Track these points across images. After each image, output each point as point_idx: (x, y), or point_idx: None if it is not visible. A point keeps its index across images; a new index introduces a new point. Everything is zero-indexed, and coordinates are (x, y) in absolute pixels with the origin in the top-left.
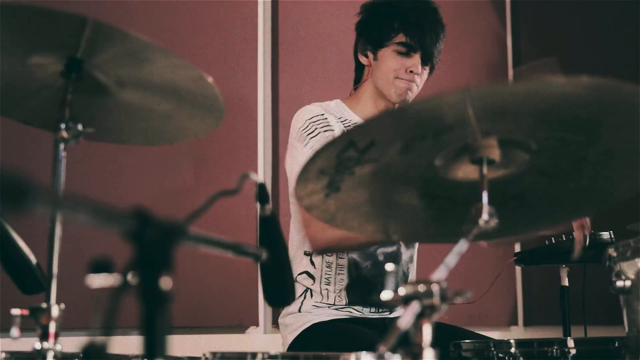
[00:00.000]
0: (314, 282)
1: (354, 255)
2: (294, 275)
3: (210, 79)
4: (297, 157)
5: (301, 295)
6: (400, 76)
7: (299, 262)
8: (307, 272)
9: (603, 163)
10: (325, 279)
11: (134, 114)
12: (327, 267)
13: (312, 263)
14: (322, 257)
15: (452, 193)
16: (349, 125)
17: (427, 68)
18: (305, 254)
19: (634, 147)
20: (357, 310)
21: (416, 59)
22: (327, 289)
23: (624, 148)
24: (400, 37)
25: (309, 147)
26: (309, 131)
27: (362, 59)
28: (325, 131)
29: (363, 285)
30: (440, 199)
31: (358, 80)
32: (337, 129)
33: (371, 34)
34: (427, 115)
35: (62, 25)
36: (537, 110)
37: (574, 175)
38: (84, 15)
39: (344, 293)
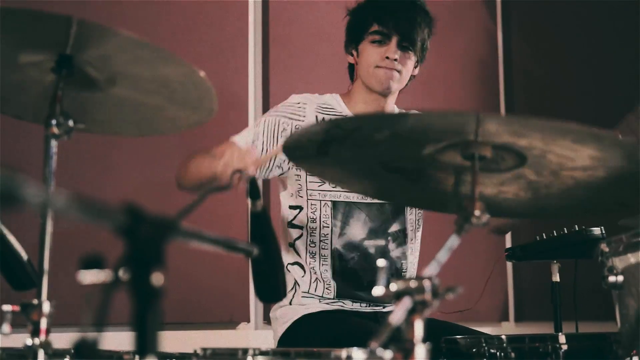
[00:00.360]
0: (304, 273)
1: (338, 247)
2: (285, 265)
3: (201, 73)
4: (243, 134)
5: (292, 289)
6: (379, 64)
7: (285, 255)
8: (297, 263)
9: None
10: (311, 267)
11: (125, 107)
12: (311, 257)
13: (298, 253)
14: (306, 249)
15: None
16: (335, 114)
17: (411, 55)
18: (289, 245)
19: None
20: (347, 305)
21: (392, 45)
22: (316, 278)
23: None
24: (374, 27)
25: (260, 122)
26: (271, 111)
27: (349, 59)
28: (285, 117)
29: (350, 277)
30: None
31: (351, 78)
32: (311, 118)
33: (351, 32)
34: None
35: (50, 25)
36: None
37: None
38: (69, 15)
39: (332, 285)
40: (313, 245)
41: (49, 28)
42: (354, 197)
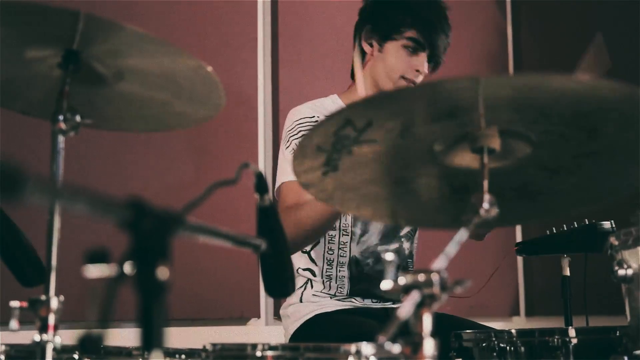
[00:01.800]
0: (316, 276)
1: (355, 254)
2: (295, 269)
3: (209, 67)
4: (280, 160)
5: (302, 286)
6: (407, 75)
7: (299, 259)
8: (308, 269)
9: (603, 159)
10: (327, 275)
11: (133, 102)
12: (328, 264)
13: (313, 260)
14: (323, 255)
15: (452, 179)
16: None
17: (430, 67)
18: (303, 252)
19: (633, 146)
20: (359, 301)
21: (423, 57)
22: (329, 283)
23: (623, 146)
24: (411, 33)
25: (289, 149)
26: (293, 133)
27: (366, 47)
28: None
29: (366, 281)
30: (441, 184)
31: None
32: None
33: (380, 24)
34: (428, 99)
35: (56, 20)
36: (539, 104)
37: (574, 170)
38: (76, 9)
39: (346, 288)
40: (331, 252)
41: (55, 23)
42: None
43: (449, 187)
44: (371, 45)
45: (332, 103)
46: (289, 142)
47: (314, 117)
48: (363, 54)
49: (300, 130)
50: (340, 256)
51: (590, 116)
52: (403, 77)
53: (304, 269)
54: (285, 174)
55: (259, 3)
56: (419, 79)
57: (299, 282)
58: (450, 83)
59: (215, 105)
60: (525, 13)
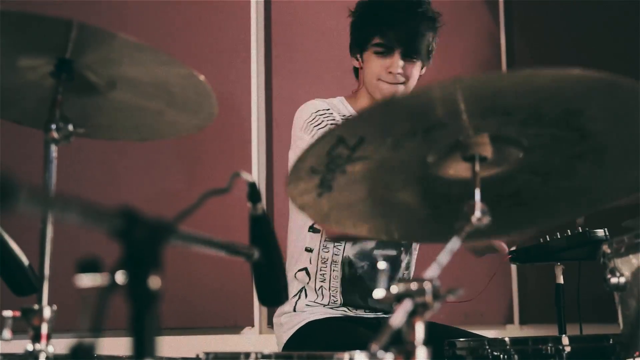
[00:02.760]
0: (310, 279)
1: (349, 255)
2: (294, 273)
3: (201, 76)
4: (302, 147)
5: (296, 295)
6: (382, 78)
7: (297, 259)
8: (305, 270)
9: (597, 161)
10: (321, 274)
11: (126, 111)
12: (322, 263)
13: (309, 260)
14: (318, 254)
15: (446, 191)
16: None
17: (416, 63)
18: (307, 250)
19: (628, 144)
20: (352, 310)
21: (396, 57)
22: (322, 285)
23: (617, 146)
24: (376, 39)
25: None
26: (316, 122)
27: (355, 63)
28: (330, 124)
29: (359, 285)
30: (435, 197)
31: (357, 80)
32: None
33: (354, 37)
34: (416, 109)
35: (49, 29)
36: (528, 104)
37: (567, 173)
38: (69, 18)
39: (339, 292)
40: (326, 250)
41: (48, 32)
42: None
43: (443, 200)
44: (357, 59)
45: (339, 103)
46: (314, 131)
47: (329, 109)
48: (357, 69)
49: (323, 121)
50: (335, 254)
51: (577, 111)
52: (380, 80)
53: (301, 269)
54: None
55: (252, 10)
56: (401, 79)
57: (294, 290)
58: (429, 90)
59: (208, 114)
60: (518, 19)
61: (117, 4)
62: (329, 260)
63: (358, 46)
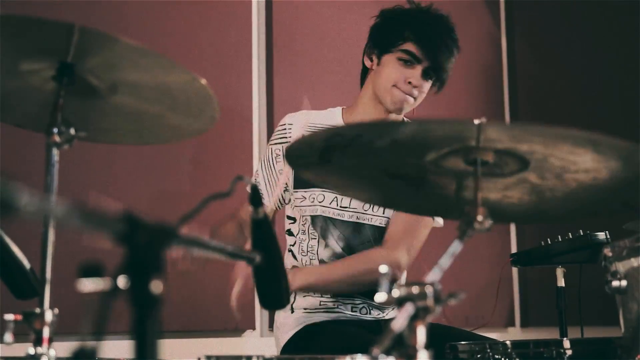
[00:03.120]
0: None
1: (323, 257)
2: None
3: (203, 81)
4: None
5: (292, 292)
6: (399, 86)
7: (285, 259)
8: (295, 267)
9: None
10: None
11: (128, 115)
12: (303, 265)
13: (295, 257)
14: (300, 257)
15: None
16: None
17: (431, 82)
18: (288, 250)
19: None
20: (347, 311)
21: (418, 70)
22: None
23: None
24: (407, 46)
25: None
26: (273, 137)
27: (367, 62)
28: (275, 143)
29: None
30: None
31: (361, 83)
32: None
33: (379, 38)
34: (423, 135)
35: (51, 32)
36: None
37: (563, 187)
38: (71, 22)
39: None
40: (304, 254)
41: (50, 36)
42: (330, 213)
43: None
44: (371, 60)
45: (328, 113)
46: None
47: (284, 125)
48: (365, 70)
49: (269, 140)
50: (311, 259)
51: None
52: (396, 86)
53: (292, 268)
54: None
55: (254, 12)
56: (415, 93)
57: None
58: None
59: (210, 118)
60: (518, 20)
61: (118, 5)
62: (308, 264)
63: (381, 46)
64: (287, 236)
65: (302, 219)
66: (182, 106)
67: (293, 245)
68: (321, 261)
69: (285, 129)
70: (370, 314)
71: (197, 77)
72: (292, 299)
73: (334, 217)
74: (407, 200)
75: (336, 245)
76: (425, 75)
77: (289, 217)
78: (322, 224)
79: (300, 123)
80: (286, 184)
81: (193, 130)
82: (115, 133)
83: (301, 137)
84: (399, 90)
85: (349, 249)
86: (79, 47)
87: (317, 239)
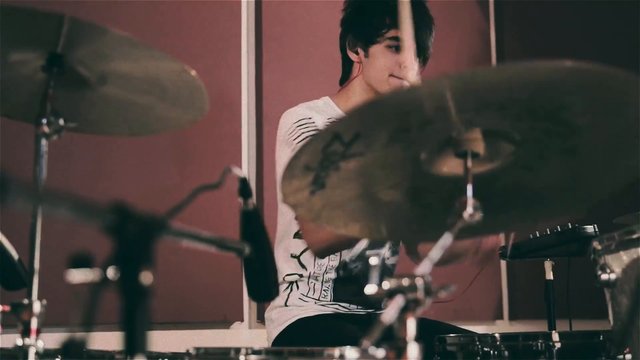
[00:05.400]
0: (303, 282)
1: (346, 259)
2: (282, 276)
3: (192, 72)
4: (284, 161)
5: (287, 288)
6: (395, 73)
7: (286, 265)
8: (296, 274)
9: (588, 155)
10: (314, 277)
11: (117, 106)
12: (317, 269)
13: (303, 266)
14: (314, 259)
15: (438, 189)
16: None
17: (420, 60)
18: (292, 256)
19: (619, 137)
20: (344, 307)
21: (409, 53)
22: (314, 283)
23: (609, 139)
24: (393, 32)
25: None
26: (295, 135)
27: (352, 56)
28: (313, 134)
29: (353, 284)
30: (427, 195)
31: (346, 76)
32: None
33: (361, 30)
34: (409, 105)
35: (41, 23)
36: (520, 99)
37: (559, 169)
38: (61, 13)
39: (330, 290)
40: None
41: (40, 26)
42: None
43: (435, 197)
44: (357, 53)
45: (324, 105)
46: (293, 145)
47: (311, 118)
48: (350, 63)
49: (302, 132)
50: (331, 260)
51: (569, 105)
52: (392, 75)
53: (290, 274)
54: None
55: (243, 5)
56: (410, 74)
57: (284, 285)
58: (418, 87)
59: (199, 109)
60: (508, 16)
61: (106, 1)
62: (325, 265)
63: (365, 39)
64: (296, 240)
65: None
66: (171, 97)
67: (305, 251)
68: (342, 262)
69: (313, 121)
70: (364, 309)
71: (187, 68)
72: (286, 295)
73: None
74: (402, 228)
75: (363, 244)
76: (418, 57)
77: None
78: None
79: (319, 114)
80: None
81: (183, 122)
82: (104, 124)
83: (303, 145)
84: (395, 77)
85: (373, 244)
86: (68, 37)
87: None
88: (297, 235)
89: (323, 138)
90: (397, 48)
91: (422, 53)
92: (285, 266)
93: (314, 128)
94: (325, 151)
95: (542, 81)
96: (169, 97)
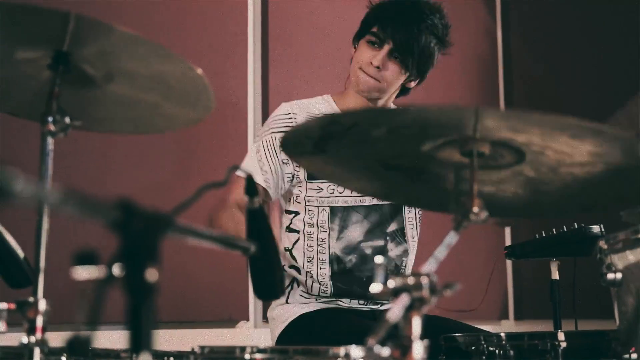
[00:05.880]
0: (300, 274)
1: (336, 250)
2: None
3: (198, 70)
4: (249, 149)
5: (288, 285)
6: (363, 68)
7: (282, 258)
8: (294, 267)
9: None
10: (309, 272)
11: (123, 104)
12: (308, 262)
13: (294, 258)
14: (304, 253)
15: (440, 166)
16: None
17: (400, 67)
18: (285, 249)
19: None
20: (344, 303)
21: (383, 52)
22: (311, 279)
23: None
24: (374, 28)
25: (257, 144)
26: (265, 129)
27: (352, 51)
28: (279, 132)
29: (348, 277)
30: (422, 168)
31: None
32: None
33: (360, 26)
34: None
35: (46, 20)
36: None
37: (558, 181)
38: (67, 10)
39: (329, 283)
40: (310, 249)
41: (46, 24)
42: (352, 202)
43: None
44: (355, 48)
45: (322, 102)
46: (258, 137)
47: (289, 114)
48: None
49: (270, 128)
50: (320, 252)
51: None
52: (361, 69)
53: (290, 267)
54: (245, 165)
55: (249, 4)
56: (378, 76)
57: (286, 281)
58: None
59: (205, 107)
60: (514, 15)
61: (112, 1)
62: (315, 259)
63: (357, 35)
64: (287, 234)
65: (309, 212)
66: (177, 96)
67: (296, 243)
68: (332, 255)
69: (290, 117)
70: (367, 305)
71: (192, 67)
72: (287, 292)
73: (355, 204)
74: (403, 192)
75: (355, 234)
76: (392, 56)
77: (289, 212)
78: (341, 213)
79: (302, 112)
80: (292, 175)
81: (188, 120)
82: (110, 122)
83: (297, 126)
84: (364, 72)
85: (370, 233)
86: (74, 35)
87: (327, 232)
88: (288, 229)
89: (320, 122)
90: (372, 43)
91: (402, 56)
92: (282, 260)
93: (286, 125)
94: (324, 129)
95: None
96: (174, 95)
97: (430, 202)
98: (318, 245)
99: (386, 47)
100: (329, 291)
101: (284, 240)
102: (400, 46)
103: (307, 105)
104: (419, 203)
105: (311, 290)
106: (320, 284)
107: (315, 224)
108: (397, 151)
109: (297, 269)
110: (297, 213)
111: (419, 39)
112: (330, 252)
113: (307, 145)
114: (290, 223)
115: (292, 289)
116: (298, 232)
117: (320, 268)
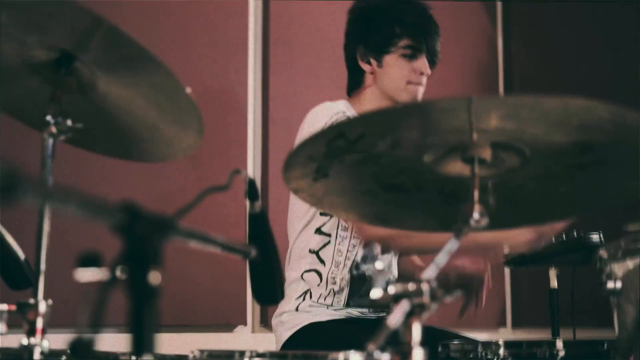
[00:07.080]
0: (321, 281)
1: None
2: (300, 273)
3: (188, 89)
4: None
5: (300, 297)
6: (412, 80)
7: (302, 260)
8: (315, 270)
9: (594, 171)
10: (332, 277)
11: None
12: (335, 266)
13: (321, 260)
14: (332, 256)
15: (439, 183)
16: None
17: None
18: (310, 251)
19: (627, 158)
20: (356, 312)
21: (423, 59)
22: (332, 288)
23: (616, 160)
24: (405, 41)
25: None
26: (328, 120)
27: (365, 66)
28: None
29: (367, 286)
30: (428, 190)
31: (354, 85)
32: None
33: (372, 42)
34: (422, 118)
35: (58, 19)
36: (536, 129)
37: (565, 180)
38: (90, 11)
39: (345, 294)
40: (340, 254)
41: (49, 25)
42: None
43: (438, 192)
44: (369, 64)
45: (345, 107)
46: (332, 119)
47: (345, 111)
48: (360, 73)
49: (341, 113)
50: (348, 258)
51: (585, 135)
52: (410, 82)
53: (309, 271)
54: None
55: (250, 8)
56: (424, 81)
57: (299, 291)
58: (442, 103)
59: (196, 136)
60: (515, 22)
61: (114, 3)
62: (342, 264)
63: (377, 49)
64: (316, 236)
65: None
66: (170, 119)
67: (326, 246)
68: (354, 263)
69: (348, 116)
70: (375, 313)
71: (187, 92)
72: (298, 302)
73: None
74: (401, 216)
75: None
76: (429, 61)
77: (323, 214)
78: None
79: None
80: None
81: (186, 147)
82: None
83: (304, 140)
84: (412, 84)
85: None
86: (80, 38)
87: (359, 238)
88: (318, 231)
89: (327, 134)
90: (410, 56)
91: (434, 58)
92: (303, 262)
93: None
94: (329, 145)
95: (556, 115)
96: (167, 117)
97: (426, 224)
98: (348, 251)
99: (424, 55)
100: (342, 302)
101: (312, 242)
102: (432, 51)
103: (342, 108)
104: (415, 227)
105: (324, 300)
106: (340, 288)
107: (350, 227)
108: (399, 167)
109: (319, 273)
110: (331, 216)
111: (438, 39)
112: (355, 258)
113: (310, 167)
114: (323, 225)
115: (303, 300)
116: (329, 235)
117: (343, 271)
